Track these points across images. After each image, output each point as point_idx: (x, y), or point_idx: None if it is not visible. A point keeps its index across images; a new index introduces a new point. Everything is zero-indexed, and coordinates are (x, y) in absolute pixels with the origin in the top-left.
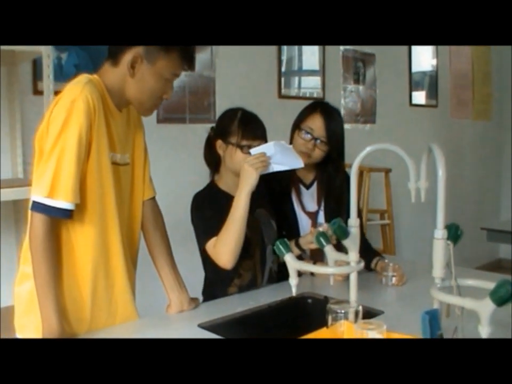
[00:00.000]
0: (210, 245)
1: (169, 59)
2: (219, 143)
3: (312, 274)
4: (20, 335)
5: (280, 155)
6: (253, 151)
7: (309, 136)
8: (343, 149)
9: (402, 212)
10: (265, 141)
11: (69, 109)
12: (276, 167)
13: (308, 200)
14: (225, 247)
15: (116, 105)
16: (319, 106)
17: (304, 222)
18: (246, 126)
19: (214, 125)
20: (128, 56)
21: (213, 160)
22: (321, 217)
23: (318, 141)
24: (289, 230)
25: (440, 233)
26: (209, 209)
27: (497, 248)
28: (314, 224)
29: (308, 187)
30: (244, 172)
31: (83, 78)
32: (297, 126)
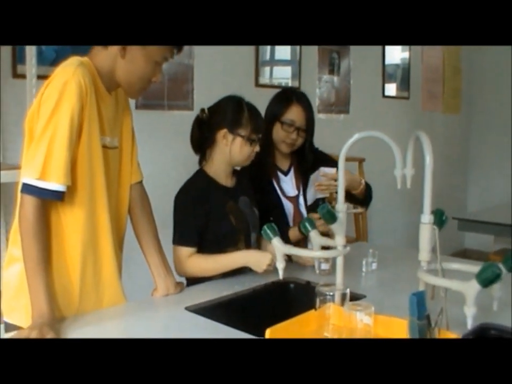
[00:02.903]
0: (182, 252)
1: None
2: (223, 132)
3: (290, 260)
4: (8, 318)
5: None
6: None
7: (292, 127)
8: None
9: (374, 201)
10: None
11: (61, 90)
12: None
13: (288, 186)
14: (199, 272)
15: (106, 88)
16: (293, 95)
17: (288, 206)
18: (256, 120)
19: (204, 107)
20: None
21: (203, 144)
22: (301, 201)
23: (300, 130)
24: (277, 216)
25: (427, 218)
26: (192, 209)
27: (463, 238)
28: (297, 208)
29: (286, 173)
30: (260, 260)
31: (75, 60)
32: (276, 118)
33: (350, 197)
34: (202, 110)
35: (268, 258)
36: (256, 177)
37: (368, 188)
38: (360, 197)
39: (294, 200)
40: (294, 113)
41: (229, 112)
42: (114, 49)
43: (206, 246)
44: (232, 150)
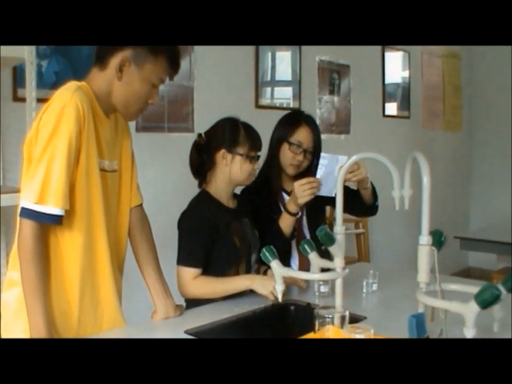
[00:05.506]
0: (187, 274)
1: (157, 63)
2: (222, 152)
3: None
4: None
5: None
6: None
7: (300, 149)
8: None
9: (375, 221)
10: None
11: (59, 115)
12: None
13: None
14: (203, 294)
15: (104, 111)
16: (301, 118)
17: None
18: (253, 137)
19: (201, 132)
20: (116, 59)
21: (203, 167)
22: (304, 222)
23: (306, 152)
24: None
25: (425, 239)
26: (198, 230)
27: (467, 257)
28: (300, 228)
29: (290, 194)
30: (266, 282)
31: (72, 84)
32: (285, 139)
33: (357, 200)
34: (199, 135)
35: (273, 280)
36: (263, 192)
37: (374, 189)
38: (367, 199)
39: (298, 220)
40: (302, 135)
41: (225, 133)
42: (111, 72)
43: (209, 267)
44: (232, 169)
